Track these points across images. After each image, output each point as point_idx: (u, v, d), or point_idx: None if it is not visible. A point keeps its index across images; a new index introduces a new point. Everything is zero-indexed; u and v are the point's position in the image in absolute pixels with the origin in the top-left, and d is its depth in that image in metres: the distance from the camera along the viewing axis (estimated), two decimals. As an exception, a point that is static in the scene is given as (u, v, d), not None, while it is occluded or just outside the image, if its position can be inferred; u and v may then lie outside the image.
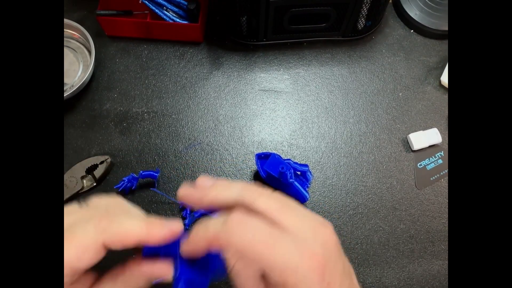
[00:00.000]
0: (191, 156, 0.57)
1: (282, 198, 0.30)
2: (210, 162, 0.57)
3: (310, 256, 0.27)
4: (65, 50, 0.63)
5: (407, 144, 0.58)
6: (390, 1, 0.67)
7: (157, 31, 0.63)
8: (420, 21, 0.65)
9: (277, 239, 0.27)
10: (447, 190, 0.56)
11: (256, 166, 0.54)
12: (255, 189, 0.30)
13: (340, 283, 0.29)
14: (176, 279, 0.30)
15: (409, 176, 0.57)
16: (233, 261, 0.28)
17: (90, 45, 0.60)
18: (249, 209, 0.29)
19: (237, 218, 0.28)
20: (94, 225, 0.28)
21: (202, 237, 0.29)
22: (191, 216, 0.52)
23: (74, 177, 0.54)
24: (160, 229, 0.30)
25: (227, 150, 0.58)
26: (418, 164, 0.57)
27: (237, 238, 0.27)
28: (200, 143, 0.58)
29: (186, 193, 0.31)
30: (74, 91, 0.57)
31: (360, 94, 0.62)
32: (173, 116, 0.60)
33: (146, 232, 0.29)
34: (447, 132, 0.59)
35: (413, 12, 0.66)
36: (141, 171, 0.54)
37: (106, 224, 0.29)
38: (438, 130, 0.58)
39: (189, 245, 0.30)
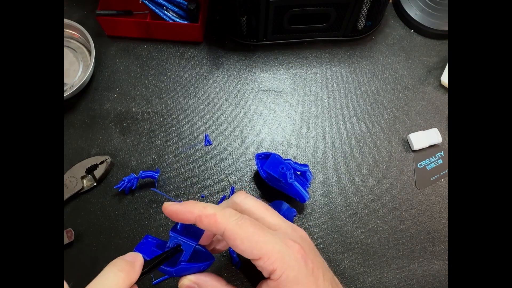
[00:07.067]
0: (191, 156, 0.57)
1: (265, 203, 0.36)
2: (210, 162, 0.57)
3: (292, 244, 0.31)
4: (65, 50, 0.63)
5: (407, 144, 0.58)
6: (390, 1, 0.68)
7: (157, 31, 0.63)
8: (420, 21, 0.65)
9: (264, 231, 0.30)
10: (447, 190, 0.56)
11: (256, 166, 0.54)
12: (243, 193, 0.35)
13: (323, 273, 0.32)
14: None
15: (409, 176, 0.57)
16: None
17: (90, 45, 0.60)
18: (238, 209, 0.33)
19: (231, 210, 0.32)
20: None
21: (198, 209, 0.31)
22: None
23: (74, 177, 0.54)
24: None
25: (227, 150, 0.58)
26: (418, 164, 0.57)
27: (231, 225, 0.30)
28: (200, 143, 0.58)
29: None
30: (74, 91, 0.57)
31: (360, 94, 0.62)
32: (173, 116, 0.60)
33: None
34: (447, 132, 0.59)
35: (413, 12, 0.66)
36: (141, 171, 0.54)
37: None
38: (438, 130, 0.58)
39: (182, 210, 0.32)
